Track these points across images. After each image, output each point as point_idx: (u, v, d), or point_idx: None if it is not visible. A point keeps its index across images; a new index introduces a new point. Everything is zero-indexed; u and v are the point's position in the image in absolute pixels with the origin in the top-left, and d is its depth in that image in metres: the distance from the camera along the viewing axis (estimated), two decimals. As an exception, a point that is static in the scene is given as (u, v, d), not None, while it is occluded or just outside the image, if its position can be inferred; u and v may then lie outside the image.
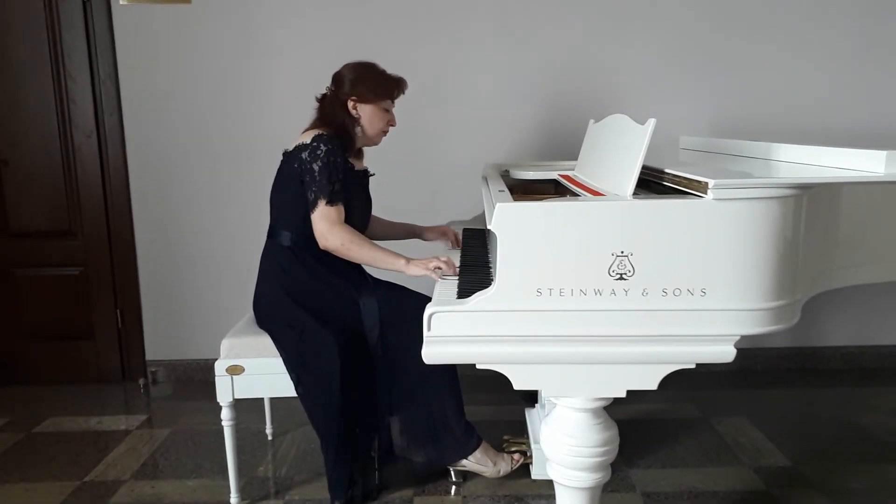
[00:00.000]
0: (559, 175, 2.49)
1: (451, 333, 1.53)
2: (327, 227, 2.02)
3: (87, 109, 3.05)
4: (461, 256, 2.24)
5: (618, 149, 1.89)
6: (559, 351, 1.53)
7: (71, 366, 3.23)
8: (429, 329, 1.54)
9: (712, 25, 3.03)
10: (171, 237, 3.16)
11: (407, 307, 2.09)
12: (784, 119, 3.06)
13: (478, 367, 1.57)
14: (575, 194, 2.09)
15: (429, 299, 1.99)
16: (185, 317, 3.23)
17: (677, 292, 1.50)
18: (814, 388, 3.08)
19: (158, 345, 3.26)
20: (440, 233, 2.50)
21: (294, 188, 2.09)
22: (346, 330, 2.10)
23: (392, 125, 2.24)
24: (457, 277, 1.92)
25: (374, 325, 2.13)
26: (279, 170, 2.17)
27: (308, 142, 2.06)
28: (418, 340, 1.54)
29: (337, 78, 2.18)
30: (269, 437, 2.65)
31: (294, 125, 2.24)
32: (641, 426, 2.68)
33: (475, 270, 2.00)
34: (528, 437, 2.39)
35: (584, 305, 1.50)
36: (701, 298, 1.50)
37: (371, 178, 2.34)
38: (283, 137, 2.24)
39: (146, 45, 3.00)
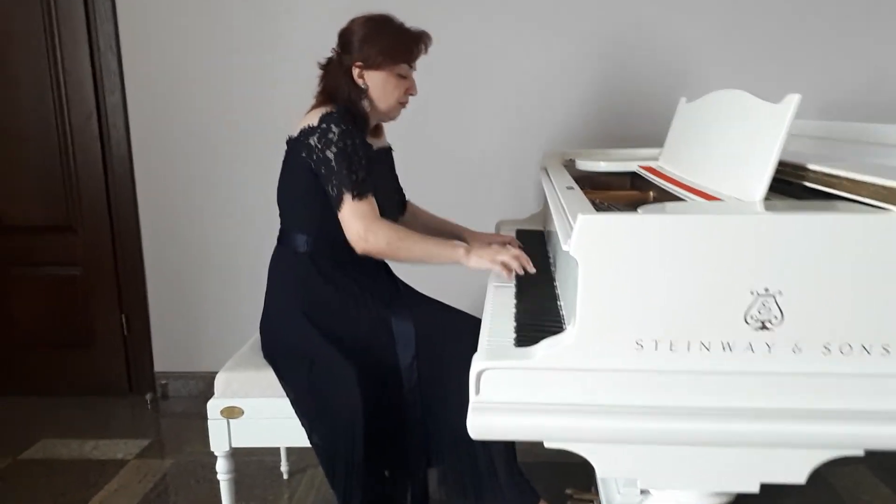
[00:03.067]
0: (640, 167, 2.01)
1: (510, 399, 1.08)
2: (364, 226, 1.60)
3: (87, 86, 2.66)
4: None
5: (734, 135, 1.40)
6: (668, 428, 1.06)
7: (70, 377, 2.89)
8: (477, 392, 1.09)
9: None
10: (182, 233, 2.78)
11: (450, 331, 1.66)
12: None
13: (547, 445, 1.11)
14: (665, 193, 1.62)
15: (478, 321, 1.56)
16: (199, 322, 2.86)
17: (846, 350, 1.03)
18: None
19: (169, 355, 2.90)
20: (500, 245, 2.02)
21: (306, 181, 1.66)
22: (372, 358, 1.66)
23: (412, 94, 1.77)
24: (514, 301, 1.45)
25: (408, 351, 1.69)
26: (284, 161, 1.74)
27: (315, 124, 1.62)
28: (463, 373, 1.11)
29: (344, 37, 1.72)
30: (285, 476, 2.24)
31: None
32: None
33: (536, 292, 1.54)
34: (596, 493, 1.93)
35: (707, 365, 1.04)
36: (882, 358, 1.03)
37: (400, 166, 1.91)
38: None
39: (151, 10, 2.60)
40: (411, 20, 1.73)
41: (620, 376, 1.05)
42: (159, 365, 2.90)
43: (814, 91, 2.47)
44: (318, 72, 1.76)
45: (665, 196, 1.75)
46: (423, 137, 2.54)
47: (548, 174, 2.01)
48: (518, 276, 1.81)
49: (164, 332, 2.87)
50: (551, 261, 1.85)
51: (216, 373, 1.76)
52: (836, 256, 0.99)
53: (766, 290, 1.01)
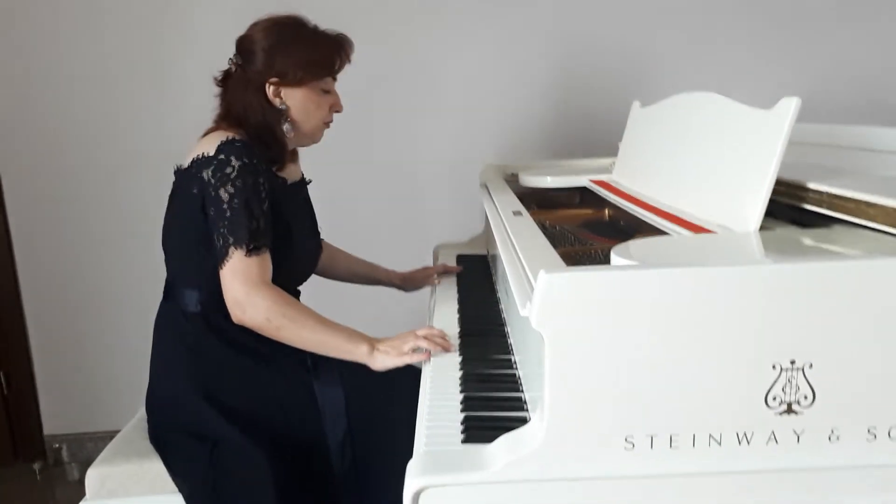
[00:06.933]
0: (591, 181, 1.77)
1: (461, 525, 0.79)
2: (245, 291, 1.26)
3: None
4: (459, 311, 1.50)
5: (714, 148, 1.16)
6: (671, 551, 0.79)
7: (-60, 448, 2.45)
8: (416, 520, 0.79)
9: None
10: (68, 273, 2.39)
11: (394, 396, 1.34)
12: None
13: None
14: (624, 212, 1.37)
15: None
16: (94, 375, 2.47)
17: (896, 433, 0.78)
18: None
19: (60, 414, 2.49)
20: (423, 278, 1.75)
21: (197, 224, 1.32)
22: (292, 436, 1.34)
23: (337, 111, 1.46)
24: (460, 368, 1.16)
25: (338, 425, 1.36)
26: (171, 197, 1.40)
27: (211, 153, 1.29)
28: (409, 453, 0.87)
29: (244, 46, 1.39)
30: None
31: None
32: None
33: (484, 342, 1.26)
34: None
35: (720, 465, 0.78)
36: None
37: (322, 189, 1.60)
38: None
39: (16, 21, 2.21)
40: (346, 24, 1.41)
41: (606, 486, 0.78)
42: (49, 427, 2.49)
43: (784, 90, 2.29)
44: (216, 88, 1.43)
45: (625, 216, 1.52)
46: (352, 150, 2.24)
47: (489, 192, 1.74)
48: (464, 306, 1.53)
49: (54, 388, 2.47)
50: (498, 289, 1.58)
51: (118, 431, 1.47)
52: (885, 313, 0.75)
53: (793, 362, 0.76)
